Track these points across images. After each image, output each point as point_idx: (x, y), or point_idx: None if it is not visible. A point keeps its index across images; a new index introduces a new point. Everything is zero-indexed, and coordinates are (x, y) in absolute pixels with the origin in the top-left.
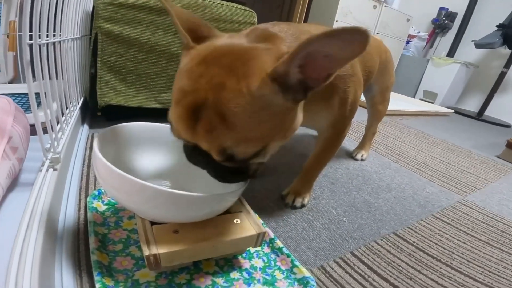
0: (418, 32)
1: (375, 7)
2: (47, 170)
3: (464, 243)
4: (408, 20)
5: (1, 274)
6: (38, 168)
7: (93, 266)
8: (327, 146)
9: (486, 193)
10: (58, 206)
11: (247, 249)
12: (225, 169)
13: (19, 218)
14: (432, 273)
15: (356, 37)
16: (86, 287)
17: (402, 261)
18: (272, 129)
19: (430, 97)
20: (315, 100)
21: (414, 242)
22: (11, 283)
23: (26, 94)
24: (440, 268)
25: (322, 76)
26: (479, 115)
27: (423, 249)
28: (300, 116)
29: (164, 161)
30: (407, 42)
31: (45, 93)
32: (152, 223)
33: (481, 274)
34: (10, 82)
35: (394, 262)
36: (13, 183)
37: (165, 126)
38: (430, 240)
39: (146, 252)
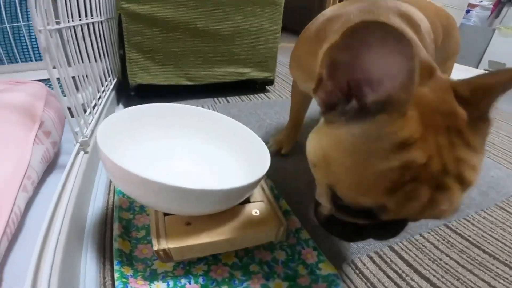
0: (480, 1)
1: None
2: (77, 154)
3: None
4: None
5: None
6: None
7: (114, 255)
8: None
9: None
10: (89, 189)
11: None
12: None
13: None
14: (485, 273)
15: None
16: (108, 276)
17: (451, 258)
18: None
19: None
20: None
21: (469, 236)
22: (31, 264)
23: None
24: (497, 267)
25: None
26: None
27: (480, 245)
28: None
29: (173, 139)
30: (468, 11)
31: (65, 78)
32: (165, 213)
33: None
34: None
35: (440, 259)
36: (52, 166)
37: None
38: (490, 235)
39: (155, 247)
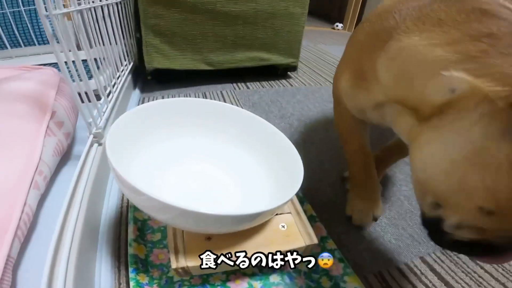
0: None
1: None
2: (91, 146)
3: None
4: None
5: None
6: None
7: (129, 261)
8: None
9: None
10: (103, 185)
11: None
12: None
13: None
14: None
15: None
16: (123, 282)
17: (486, 271)
18: None
19: None
20: None
21: None
22: (45, 271)
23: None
24: None
25: None
26: None
27: None
28: None
29: (192, 139)
30: None
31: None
32: None
33: None
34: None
35: (475, 272)
36: (66, 156)
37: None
38: None
39: (174, 265)
